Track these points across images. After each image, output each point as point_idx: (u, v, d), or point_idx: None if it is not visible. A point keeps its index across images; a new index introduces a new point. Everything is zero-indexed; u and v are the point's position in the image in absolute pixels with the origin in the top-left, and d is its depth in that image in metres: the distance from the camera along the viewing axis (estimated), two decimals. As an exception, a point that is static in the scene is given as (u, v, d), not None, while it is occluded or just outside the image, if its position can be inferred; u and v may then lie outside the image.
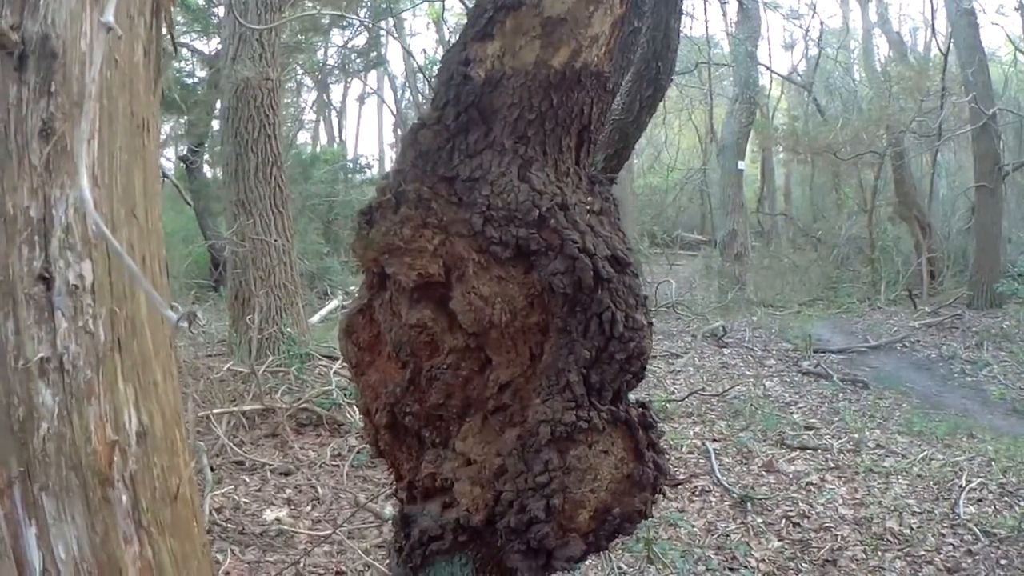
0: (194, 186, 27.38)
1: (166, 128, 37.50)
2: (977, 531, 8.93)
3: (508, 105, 2.97)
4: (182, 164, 31.42)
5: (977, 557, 8.47)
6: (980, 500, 9.91)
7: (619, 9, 3.16)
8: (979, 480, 10.40)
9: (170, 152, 36.76)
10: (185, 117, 28.71)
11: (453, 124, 3.01)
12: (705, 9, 41.56)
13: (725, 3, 36.92)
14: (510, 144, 2.98)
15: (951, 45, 29.05)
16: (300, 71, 29.73)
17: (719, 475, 10.23)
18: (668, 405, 13.15)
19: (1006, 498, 9.94)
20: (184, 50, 27.70)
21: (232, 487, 9.94)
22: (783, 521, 9.10)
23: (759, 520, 9.08)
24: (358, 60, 40.05)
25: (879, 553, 8.56)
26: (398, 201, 3.07)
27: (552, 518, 2.92)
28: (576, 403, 2.91)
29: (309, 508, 9.35)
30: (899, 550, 8.66)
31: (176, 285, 25.33)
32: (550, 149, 3.05)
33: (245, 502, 9.57)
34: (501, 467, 3.00)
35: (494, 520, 3.03)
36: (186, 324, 2.33)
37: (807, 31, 45.22)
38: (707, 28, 42.11)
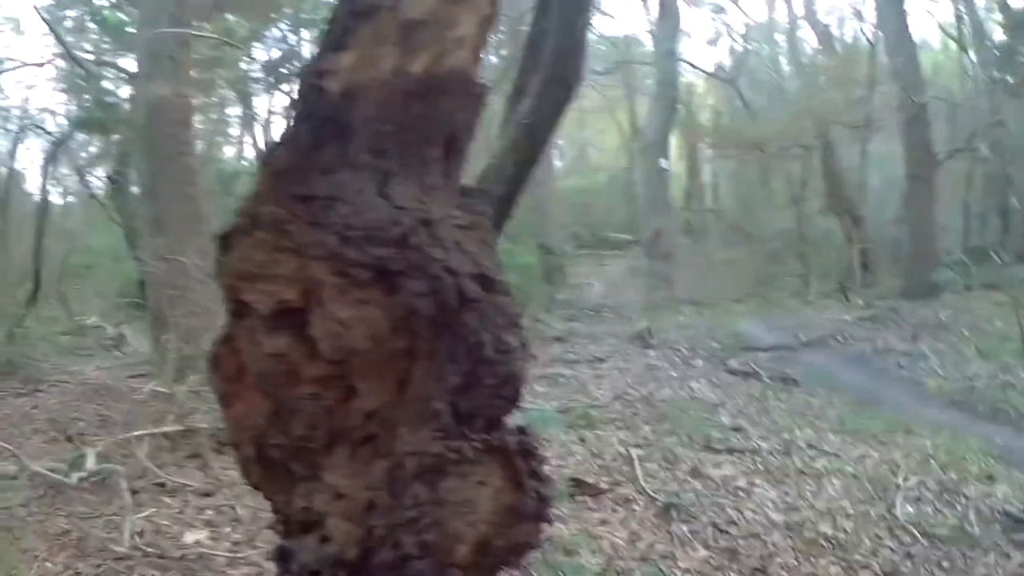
0: (122, 205, 27.03)
1: (93, 148, 37.20)
2: (916, 532, 8.71)
3: (365, 118, 2.79)
4: (111, 183, 31.06)
5: (916, 560, 8.29)
6: (919, 499, 9.69)
7: (487, 8, 2.99)
8: (917, 478, 10.19)
9: (100, 171, 36.51)
10: (115, 136, 28.42)
11: (308, 141, 2.83)
12: (625, 8, 41.51)
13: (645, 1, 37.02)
14: (368, 159, 2.80)
15: (879, 34, 29.12)
16: (222, 85, 29.44)
17: (643, 482, 10.04)
18: (591, 411, 12.97)
19: (946, 496, 9.73)
20: (106, 68, 27.37)
21: (154, 510, 9.72)
22: (710, 528, 8.88)
23: (685, 528, 8.89)
24: (282, 71, 39.92)
25: (812, 559, 8.38)
26: (253, 224, 2.89)
27: (427, 554, 2.75)
28: (445, 433, 2.74)
29: (229, 530, 9.15)
30: (833, 555, 8.48)
31: (107, 304, 25.07)
32: (412, 162, 2.87)
33: (166, 525, 9.35)
34: (371, 501, 2.83)
35: (370, 555, 2.85)
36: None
37: (731, 25, 45.48)
38: (625, 26, 41.96)
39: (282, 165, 2.87)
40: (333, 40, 2.85)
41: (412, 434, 2.75)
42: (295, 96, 3.00)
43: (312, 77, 2.86)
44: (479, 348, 2.73)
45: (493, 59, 37.98)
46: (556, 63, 7.86)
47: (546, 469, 3.04)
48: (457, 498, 2.75)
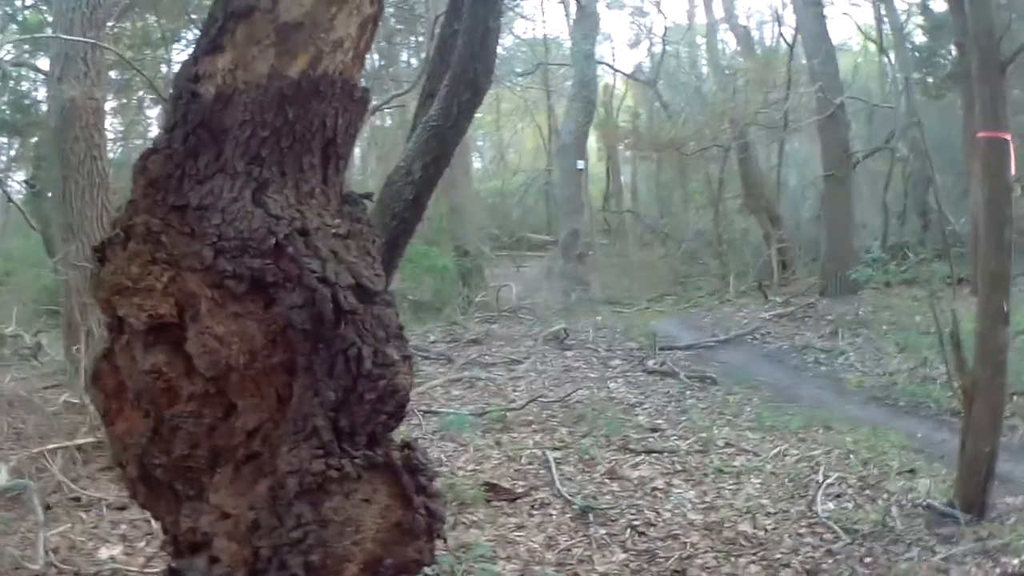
0: (40, 210, 26.75)
1: (11, 151, 36.82)
2: (837, 529, 8.61)
3: (240, 123, 2.70)
4: (28, 187, 30.72)
5: (839, 556, 8.22)
6: (839, 496, 9.60)
7: (369, 8, 2.91)
8: (837, 474, 10.10)
9: (19, 175, 36.12)
10: (35, 138, 28.15)
11: (182, 147, 2.73)
12: (543, 9, 41.54)
13: (559, 3, 37.07)
14: (243, 166, 2.71)
15: (797, 37, 29.32)
16: (139, 87, 29.14)
17: (559, 486, 9.92)
18: (507, 414, 12.82)
19: (867, 491, 9.64)
20: (23, 69, 27.05)
21: (69, 525, 9.53)
22: (628, 531, 8.76)
23: (602, 531, 8.77)
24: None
25: (732, 559, 8.31)
26: (127, 236, 2.79)
27: (314, 575, 2.66)
28: (325, 450, 2.64)
29: (143, 544, 8.97)
30: (753, 554, 8.41)
31: (25, 312, 24.71)
32: (289, 169, 2.78)
33: (81, 540, 9.15)
34: (255, 521, 2.72)
35: (259, 576, 2.76)
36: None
37: (651, 28, 45.67)
38: (544, 29, 42.14)
39: (156, 173, 2.77)
40: (209, 42, 2.76)
41: (292, 452, 2.65)
42: (169, 101, 2.88)
43: (186, 80, 2.77)
44: (358, 362, 2.64)
45: (414, 62, 38.05)
46: (465, 65, 7.78)
47: (439, 482, 2.95)
48: (341, 517, 2.66)
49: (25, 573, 8.21)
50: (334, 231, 2.81)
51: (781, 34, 34.62)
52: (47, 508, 9.61)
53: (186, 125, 2.72)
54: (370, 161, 43.99)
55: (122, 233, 2.81)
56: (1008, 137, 8.36)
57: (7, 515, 9.55)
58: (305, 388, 2.68)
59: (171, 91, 2.89)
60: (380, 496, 2.74)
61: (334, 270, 2.66)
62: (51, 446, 11.12)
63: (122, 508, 9.81)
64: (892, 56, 31.79)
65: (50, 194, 16.74)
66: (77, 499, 10.11)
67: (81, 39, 13.55)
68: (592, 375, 16.16)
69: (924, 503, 8.97)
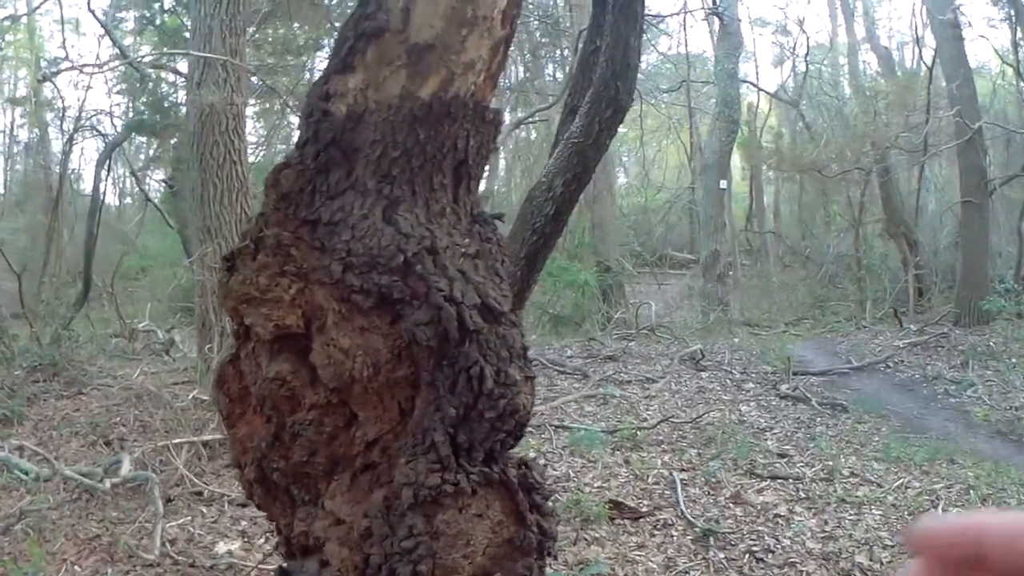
0: (178, 210, 27.16)
1: (150, 150, 37.52)
2: (952, 567, 8.61)
3: (371, 142, 2.75)
4: (167, 187, 31.26)
5: (951, 593, 8.17)
6: (957, 532, 9.55)
7: (500, 31, 2.94)
8: (956, 509, 10.06)
9: (158, 174, 36.80)
10: (174, 140, 28.63)
11: (313, 164, 2.79)
12: (684, 27, 41.18)
13: (702, 20, 36.86)
14: (373, 184, 2.75)
15: (936, 59, 28.92)
16: (281, 93, 29.56)
17: (683, 507, 9.90)
18: (638, 433, 12.80)
19: (984, 529, 9.59)
20: (165, 73, 27.52)
21: (189, 518, 9.72)
22: (746, 556, 8.72)
23: (721, 555, 8.73)
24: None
25: (845, 590, 8.31)
26: (257, 247, 2.86)
27: (423, 584, 2.70)
28: (442, 464, 2.68)
29: (262, 541, 9.11)
30: (867, 586, 8.40)
31: (161, 309, 25.14)
32: (420, 188, 2.82)
33: (200, 534, 9.35)
34: (368, 529, 2.77)
35: (369, 582, 2.81)
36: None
37: (794, 47, 45.24)
38: (687, 45, 41.71)
39: (288, 188, 2.83)
40: (339, 62, 2.81)
41: (410, 464, 2.70)
42: (302, 117, 2.94)
43: (318, 99, 2.82)
44: (480, 380, 2.67)
45: (559, 75, 38.09)
46: (607, 83, 7.77)
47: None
48: (454, 530, 2.69)
49: (140, 562, 8.42)
50: (463, 250, 2.84)
51: (921, 56, 34.14)
52: (168, 500, 9.85)
53: (317, 142, 2.77)
54: (515, 174, 44.20)
55: (252, 244, 2.87)
56: None
57: (129, 504, 9.79)
58: (427, 403, 2.72)
59: (303, 107, 2.94)
60: (494, 512, 2.77)
61: (461, 289, 2.70)
62: (177, 440, 11.36)
63: (244, 505, 9.97)
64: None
65: (188, 195, 16.97)
66: (199, 493, 10.30)
67: (205, 54, 13.77)
68: (725, 397, 16.07)
69: (1039, 544, 8.82)
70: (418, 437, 2.72)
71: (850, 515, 9.88)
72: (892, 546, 9.00)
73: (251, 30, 22.92)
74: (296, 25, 29.87)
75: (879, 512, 9.96)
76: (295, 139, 2.97)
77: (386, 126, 2.74)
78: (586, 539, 8.98)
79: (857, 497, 10.40)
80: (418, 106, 2.75)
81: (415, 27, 2.76)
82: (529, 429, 9.90)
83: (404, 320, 2.69)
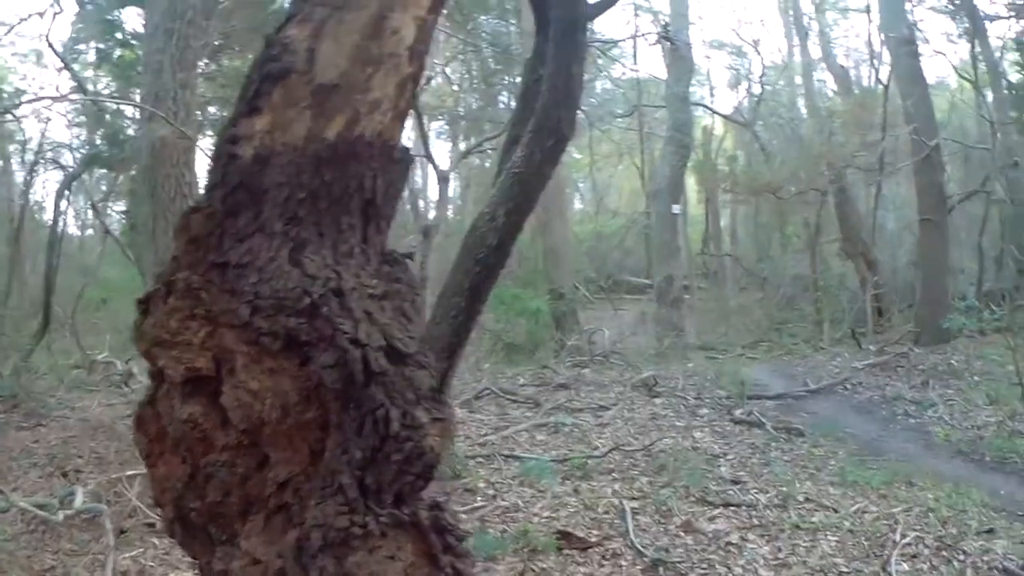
0: (135, 242, 27.08)
1: (110, 183, 37.45)
2: (910, 591, 8.63)
3: (277, 184, 2.75)
4: (126, 218, 31.23)
5: (909, 620, 8.20)
6: (915, 556, 9.39)
7: (408, 68, 2.95)
8: (915, 534, 9.90)
9: (119, 205, 36.75)
10: (132, 172, 28.59)
11: (222, 207, 2.79)
12: (635, 52, 41.27)
13: (654, 45, 36.91)
14: (280, 226, 2.76)
15: (892, 76, 29.06)
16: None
17: (633, 537, 9.86)
18: (589, 462, 12.75)
19: (944, 552, 9.43)
20: (123, 104, 27.51)
21: (141, 550, 9.72)
22: (696, 586, 8.82)
23: (672, 585, 8.81)
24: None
25: (799, 620, 8.32)
26: (168, 290, 2.86)
27: (337, 626, 2.70)
28: (350, 507, 2.68)
29: (213, 572, 9.12)
30: (820, 616, 8.41)
31: (121, 340, 25.05)
32: (327, 229, 2.82)
33: (151, 566, 9.36)
34: (282, 569, 2.78)
35: (285, 623, 2.81)
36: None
37: (749, 69, 45.45)
38: (638, 71, 41.69)
39: (197, 231, 2.84)
40: (246, 104, 2.82)
41: (319, 506, 2.70)
42: (211, 160, 2.95)
43: (225, 142, 2.83)
44: (385, 423, 2.67)
45: (513, 103, 38.18)
46: (548, 112, 7.77)
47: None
48: (364, 572, 2.69)
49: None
50: (370, 291, 2.84)
51: (877, 74, 34.33)
52: (121, 532, 9.88)
53: (225, 186, 2.78)
54: (468, 202, 44.22)
55: (163, 288, 2.87)
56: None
57: (84, 536, 9.80)
58: (335, 445, 2.73)
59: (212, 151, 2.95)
60: (405, 554, 2.76)
61: (366, 331, 2.70)
62: (130, 472, 11.36)
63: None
64: (990, 95, 31.30)
65: (143, 228, 16.96)
66: (152, 525, 10.33)
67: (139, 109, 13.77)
68: (678, 424, 16.07)
69: (1001, 565, 8.84)
70: (327, 479, 2.73)
71: (804, 542, 9.87)
72: (848, 573, 9.01)
73: (203, 63, 22.90)
74: (250, 57, 29.89)
75: (835, 538, 9.95)
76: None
77: (292, 168, 2.75)
78: (533, 570, 8.98)
79: (812, 523, 10.40)
80: (324, 147, 2.76)
81: (320, 67, 2.77)
82: (479, 459, 9.96)
83: (312, 362, 2.70)
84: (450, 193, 41.05)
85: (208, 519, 3.01)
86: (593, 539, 9.87)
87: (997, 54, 31.64)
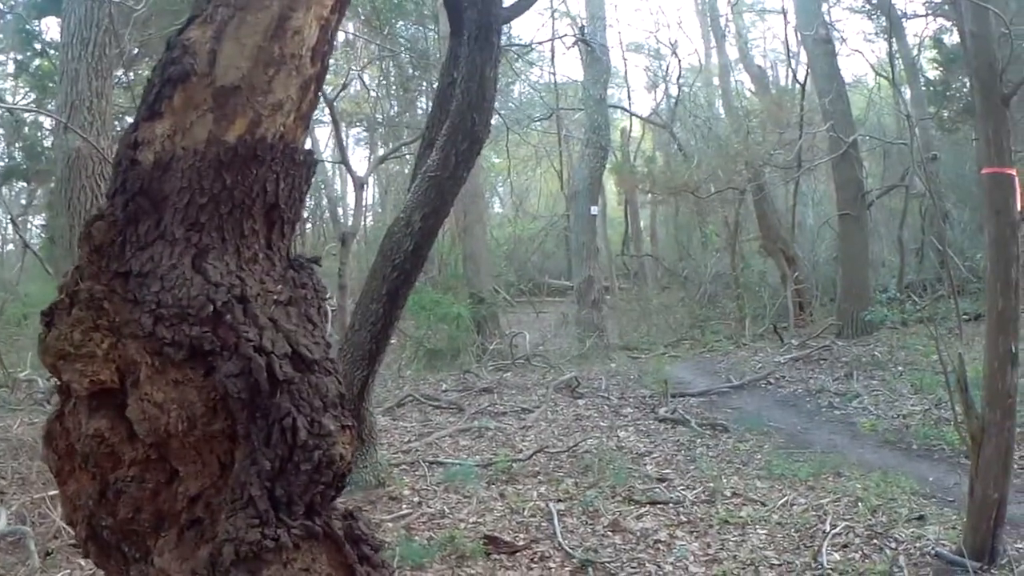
0: (54, 256, 26.81)
1: (25, 197, 37.03)
2: (842, 580, 8.63)
3: (178, 190, 2.69)
4: (44, 233, 30.92)
5: (842, 612, 8.19)
6: (846, 545, 9.35)
7: (310, 68, 2.89)
8: (845, 523, 9.88)
9: (39, 219, 36.34)
10: (50, 184, 28.32)
11: (123, 214, 2.73)
12: (553, 55, 41.24)
13: (570, 48, 36.94)
14: (182, 232, 2.70)
15: (808, 75, 29.25)
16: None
17: (561, 539, 9.79)
18: (514, 465, 12.69)
19: (874, 540, 9.41)
20: (39, 116, 27.24)
21: (67, 572, 9.55)
22: (627, 585, 8.78)
23: (602, 585, 8.76)
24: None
25: (732, 615, 8.29)
26: (72, 302, 2.78)
27: (254, 644, 2.63)
28: (261, 519, 2.61)
29: (142, 594, 9.00)
30: (754, 609, 8.38)
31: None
32: (230, 235, 2.76)
33: (77, 588, 9.23)
34: (197, 587, 2.70)
35: (200, 643, 2.73)
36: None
37: (666, 71, 45.54)
38: (554, 74, 41.56)
39: (100, 240, 2.77)
40: (147, 108, 2.75)
41: (230, 520, 2.63)
42: (112, 166, 2.87)
43: (126, 147, 2.76)
44: (293, 432, 2.61)
45: (419, 111, 38.07)
46: (463, 115, 7.73)
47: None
48: (280, 586, 2.62)
49: (18, 619, 8.28)
50: (275, 298, 2.78)
51: (795, 73, 34.52)
52: (47, 554, 9.66)
53: (126, 192, 2.72)
54: (388, 208, 44.03)
55: (67, 299, 2.79)
56: (1013, 172, 8.25)
57: (11, 559, 9.61)
58: (244, 456, 2.66)
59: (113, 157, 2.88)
60: (320, 565, 2.71)
61: (271, 338, 2.64)
62: (53, 492, 11.16)
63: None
64: (906, 91, 31.59)
65: (59, 242, 16.75)
66: (78, 546, 10.10)
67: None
68: (602, 424, 16.01)
69: (933, 551, 8.85)
70: (237, 492, 2.66)
71: (734, 536, 9.84)
72: (779, 565, 9.00)
73: (120, 73, 22.65)
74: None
75: (764, 531, 9.94)
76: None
77: (193, 172, 2.69)
78: (462, 576, 8.93)
79: (741, 517, 10.38)
80: (224, 151, 2.70)
81: (221, 69, 2.72)
82: (403, 466, 9.87)
83: (216, 372, 2.63)
84: (369, 200, 40.89)
85: (121, 536, 2.93)
86: (521, 543, 9.80)
87: (915, 51, 31.94)
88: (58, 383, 2.97)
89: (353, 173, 20.83)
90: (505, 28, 8.42)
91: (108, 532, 2.94)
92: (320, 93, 3.05)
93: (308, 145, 3.08)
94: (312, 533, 2.70)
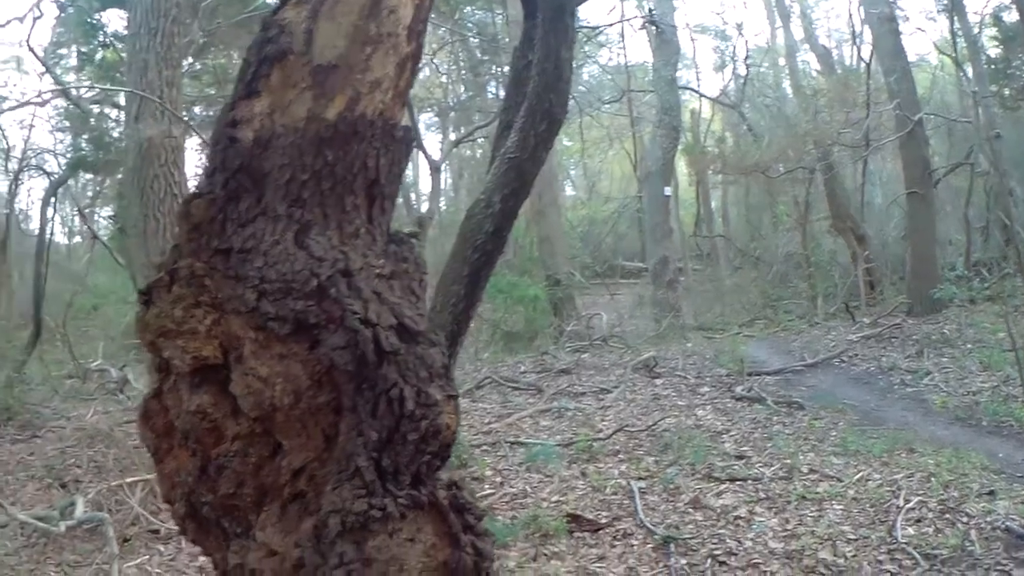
0: (124, 246, 26.93)
1: (96, 187, 37.29)
2: (916, 554, 8.48)
3: (279, 167, 2.71)
4: (114, 223, 31.07)
5: (915, 583, 8.17)
6: (919, 520, 9.39)
7: (406, 47, 2.91)
8: (918, 499, 9.89)
9: (106, 211, 36.59)
10: (118, 175, 28.44)
11: (223, 192, 2.75)
12: (623, 37, 41.15)
13: (640, 30, 36.74)
14: (284, 209, 2.72)
15: (873, 54, 29.03)
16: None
17: (642, 516, 9.84)
18: (594, 444, 12.74)
19: (947, 515, 9.43)
20: (107, 108, 27.40)
21: (146, 557, 9.65)
22: (708, 561, 8.64)
23: (683, 562, 8.65)
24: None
25: (810, 588, 8.28)
26: (172, 279, 2.81)
27: (358, 612, 2.65)
28: (368, 490, 2.63)
29: (218, 575, 9.04)
30: (832, 582, 8.37)
31: (113, 347, 24.91)
32: (332, 210, 2.78)
33: (157, 572, 9.29)
34: (300, 559, 2.72)
35: (302, 613, 2.76)
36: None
37: (734, 52, 45.31)
38: (626, 56, 41.45)
39: (199, 218, 2.79)
40: (244, 87, 2.78)
41: (336, 491, 2.65)
42: (210, 145, 2.90)
43: (224, 126, 2.78)
44: (400, 402, 2.63)
45: (501, 92, 38.00)
46: (540, 96, 7.71)
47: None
48: (385, 555, 2.64)
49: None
50: (378, 271, 2.80)
51: (859, 52, 34.28)
52: (125, 540, 9.77)
53: (226, 170, 2.74)
54: (461, 192, 44.11)
55: (166, 277, 2.82)
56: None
57: (87, 547, 9.71)
58: (349, 428, 2.68)
59: (211, 135, 2.91)
60: (425, 535, 2.72)
61: (376, 311, 2.66)
62: (131, 479, 11.24)
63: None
64: (968, 69, 31.29)
65: (133, 231, 16.80)
66: (156, 531, 10.22)
67: (135, 91, 13.69)
68: (680, 403, 16.05)
69: (1003, 525, 8.82)
70: (343, 463, 2.68)
71: (811, 512, 9.86)
72: (855, 540, 8.99)
73: (188, 61, 22.80)
74: (235, 54, 29.73)
75: (840, 507, 9.95)
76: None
77: (293, 150, 2.71)
78: (546, 554, 8.95)
79: (817, 493, 10.40)
80: (324, 128, 2.72)
81: (318, 48, 2.74)
82: (484, 447, 9.90)
83: (322, 345, 2.65)
84: (441, 184, 41.05)
85: (221, 512, 2.95)
86: (603, 520, 9.85)
87: (976, 29, 31.62)
88: (156, 361, 2.99)
89: (429, 157, 20.94)
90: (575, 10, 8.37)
91: (208, 508, 2.96)
92: (416, 72, 3.07)
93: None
94: (418, 503, 2.71)
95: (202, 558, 9.39)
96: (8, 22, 19.28)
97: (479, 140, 32.06)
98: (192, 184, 14.56)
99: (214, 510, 2.95)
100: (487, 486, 11.28)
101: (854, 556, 8.66)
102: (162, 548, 9.89)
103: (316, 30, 2.76)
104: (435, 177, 20.81)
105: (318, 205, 2.75)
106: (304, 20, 2.78)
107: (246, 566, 2.92)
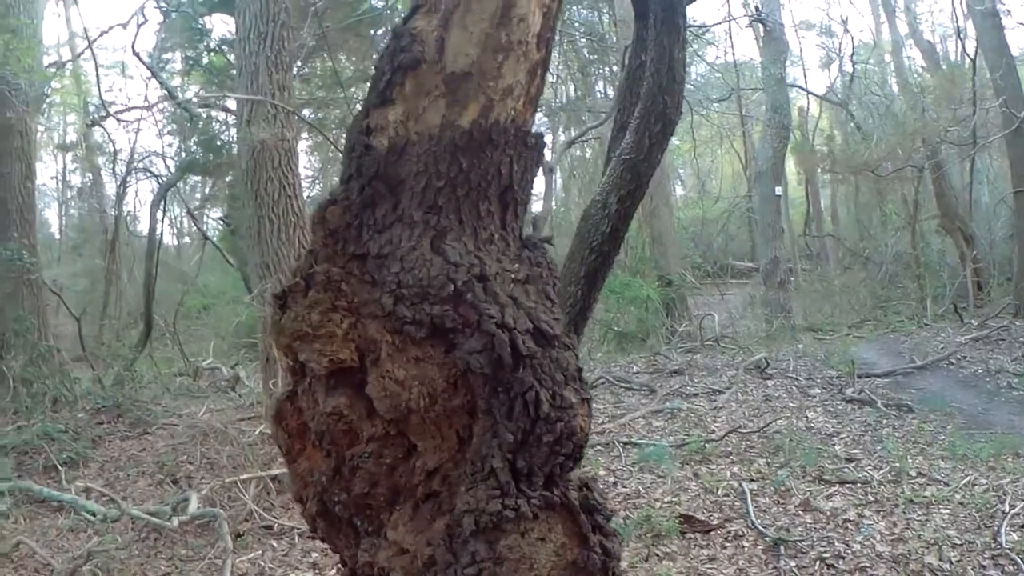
0: (236, 247, 27.30)
1: (205, 189, 37.80)
2: (1019, 560, 8.44)
3: (414, 174, 2.76)
4: (224, 224, 31.44)
5: (1018, 590, 8.10)
6: (1024, 527, 9.47)
7: (536, 54, 2.94)
8: (1023, 504, 9.96)
9: (215, 212, 37.06)
10: (228, 177, 28.82)
11: (359, 199, 2.81)
12: (730, 35, 40.90)
13: (747, 28, 36.53)
14: (420, 215, 2.77)
15: (978, 50, 28.64)
16: (333, 126, 29.62)
17: (753, 518, 9.82)
18: (706, 445, 12.70)
19: (1052, 522, 9.49)
20: (215, 111, 27.69)
21: (259, 553, 9.79)
22: (817, 563, 8.59)
23: (792, 564, 8.62)
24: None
25: (915, 592, 8.23)
26: (308, 284, 2.88)
27: (488, 610, 2.70)
28: (502, 491, 2.68)
29: (333, 572, 9.14)
30: (937, 587, 8.31)
31: (224, 346, 25.23)
32: (467, 216, 2.83)
33: (270, 567, 9.42)
34: (431, 557, 2.78)
35: (434, 611, 2.81)
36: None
37: (839, 48, 44.84)
38: (734, 54, 41.11)
39: (335, 224, 2.85)
40: (378, 95, 2.83)
41: (470, 492, 2.71)
42: (344, 152, 2.95)
43: (359, 134, 2.84)
44: (536, 405, 2.67)
45: (610, 91, 37.97)
46: (654, 97, 7.71)
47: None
48: (516, 555, 2.69)
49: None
50: (513, 276, 2.85)
51: (964, 48, 33.81)
52: (238, 536, 9.92)
53: (361, 177, 2.80)
54: (572, 192, 44.06)
55: (302, 281, 2.88)
56: None
57: (198, 542, 9.85)
58: (484, 430, 2.73)
59: (345, 143, 2.96)
60: (556, 535, 2.76)
61: (512, 315, 2.70)
62: (244, 476, 11.40)
63: (313, 537, 9.98)
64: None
65: (245, 232, 17.00)
66: (269, 527, 10.35)
67: (247, 96, 13.84)
68: (791, 404, 15.93)
69: (1107, 532, 8.73)
70: (477, 464, 2.73)
71: (919, 516, 9.78)
72: (961, 545, 8.92)
73: (298, 65, 23.01)
74: (343, 57, 29.97)
75: (947, 511, 9.86)
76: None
77: (428, 157, 2.75)
78: (657, 555, 8.96)
79: (925, 497, 10.31)
80: (459, 135, 2.76)
81: (451, 56, 2.78)
82: (598, 447, 9.93)
83: (458, 349, 2.70)
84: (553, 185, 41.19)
85: (354, 511, 3.02)
86: (714, 521, 9.83)
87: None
88: (291, 363, 3.05)
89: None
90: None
91: (341, 507, 3.03)
92: (545, 78, 3.10)
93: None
94: (550, 503, 2.76)
95: (315, 554, 9.56)
96: (111, 28, 19.50)
97: (590, 140, 31.96)
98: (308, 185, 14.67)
99: (347, 509, 3.02)
100: (600, 485, 11.31)
101: (959, 561, 8.58)
102: (275, 544, 10.02)
103: (448, 39, 2.79)
104: (548, 178, 20.79)
105: (453, 211, 2.80)
106: (435, 29, 2.82)
107: (376, 564, 2.98)
